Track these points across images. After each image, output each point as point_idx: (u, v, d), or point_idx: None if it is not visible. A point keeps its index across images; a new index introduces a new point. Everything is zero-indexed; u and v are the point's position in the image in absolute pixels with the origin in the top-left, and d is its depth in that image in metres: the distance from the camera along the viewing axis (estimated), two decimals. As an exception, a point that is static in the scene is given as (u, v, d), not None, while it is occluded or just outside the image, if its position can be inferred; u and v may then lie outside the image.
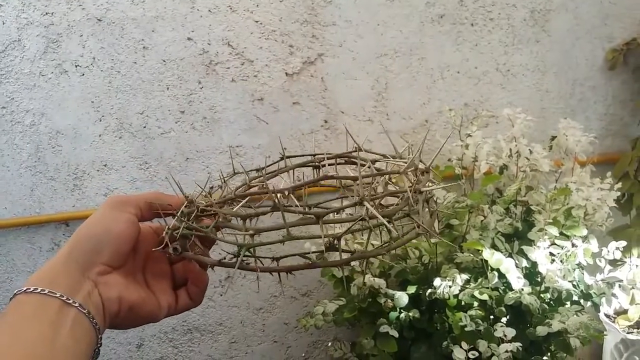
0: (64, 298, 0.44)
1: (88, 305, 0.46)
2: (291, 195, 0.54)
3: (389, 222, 0.51)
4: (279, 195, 0.53)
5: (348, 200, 0.53)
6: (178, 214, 0.55)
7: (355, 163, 0.61)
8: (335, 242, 0.52)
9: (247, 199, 0.55)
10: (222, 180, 0.61)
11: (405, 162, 0.59)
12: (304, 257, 0.54)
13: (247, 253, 0.51)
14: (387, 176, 0.57)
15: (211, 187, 0.67)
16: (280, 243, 0.51)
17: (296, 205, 0.54)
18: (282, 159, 0.63)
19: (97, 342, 0.46)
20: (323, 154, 0.62)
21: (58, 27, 1.37)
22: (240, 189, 0.62)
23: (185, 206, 0.55)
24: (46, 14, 1.36)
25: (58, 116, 1.42)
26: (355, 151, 0.64)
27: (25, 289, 0.44)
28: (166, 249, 0.53)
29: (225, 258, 0.53)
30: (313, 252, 0.55)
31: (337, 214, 0.53)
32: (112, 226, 0.51)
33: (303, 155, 0.63)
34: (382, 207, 0.54)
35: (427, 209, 0.54)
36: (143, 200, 0.54)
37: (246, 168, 0.66)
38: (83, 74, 1.40)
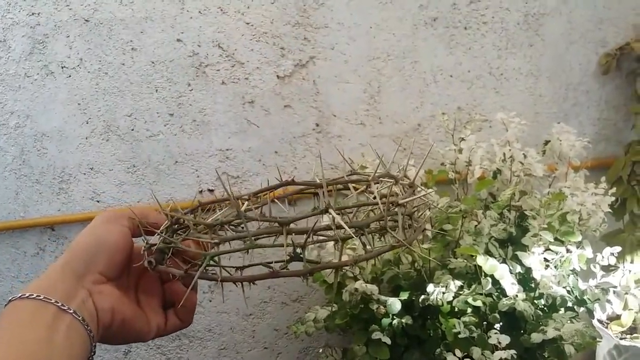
0: (59, 304, 0.45)
1: (82, 313, 0.46)
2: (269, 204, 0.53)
3: (361, 234, 0.50)
4: (243, 203, 0.53)
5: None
6: (159, 231, 0.55)
7: (349, 187, 0.60)
8: (299, 251, 0.51)
9: (223, 211, 0.55)
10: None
11: (401, 183, 0.58)
12: (267, 267, 0.53)
13: (212, 262, 0.51)
14: (378, 190, 0.56)
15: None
16: (245, 252, 0.50)
17: (262, 214, 0.54)
18: (280, 185, 0.62)
19: (91, 350, 0.47)
20: (320, 180, 0.59)
21: (44, 28, 1.34)
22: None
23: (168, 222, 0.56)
24: (32, 14, 1.33)
25: (44, 118, 1.39)
26: (351, 174, 0.63)
27: (20, 295, 0.45)
28: (142, 262, 0.53)
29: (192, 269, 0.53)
30: (276, 262, 0.54)
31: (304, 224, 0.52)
32: (106, 236, 0.53)
33: (301, 182, 0.62)
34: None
35: (409, 224, 0.53)
36: (135, 213, 0.56)
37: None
38: (70, 76, 1.37)
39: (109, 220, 0.54)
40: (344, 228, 0.48)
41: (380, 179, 0.58)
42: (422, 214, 0.56)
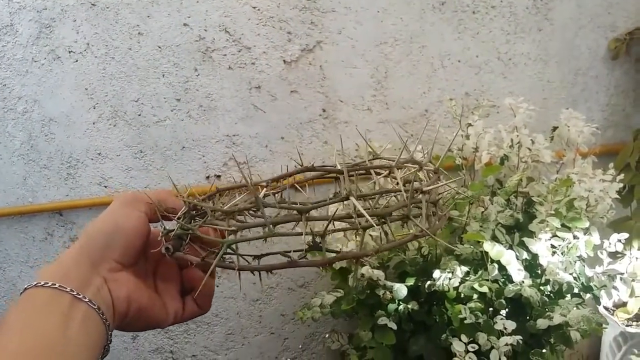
0: (74, 293, 0.44)
1: (98, 301, 0.46)
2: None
3: (383, 222, 0.49)
4: (262, 190, 0.52)
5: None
6: (176, 217, 0.54)
7: (370, 173, 0.58)
8: (319, 240, 0.50)
9: (241, 197, 0.54)
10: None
11: (426, 169, 0.56)
12: (285, 256, 0.52)
13: (229, 250, 0.49)
14: (402, 176, 0.54)
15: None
16: (263, 240, 0.49)
17: (282, 200, 0.52)
18: (300, 171, 0.61)
19: (107, 339, 0.47)
20: (341, 166, 0.58)
21: (51, 12, 1.34)
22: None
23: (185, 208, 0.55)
24: (39, -2, 1.33)
25: (51, 103, 1.39)
26: (373, 159, 0.61)
27: (35, 283, 0.44)
28: (160, 249, 0.52)
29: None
30: (295, 251, 0.53)
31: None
32: (123, 222, 0.51)
33: (322, 167, 0.60)
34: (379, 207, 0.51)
35: (433, 212, 0.52)
36: (153, 198, 0.54)
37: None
38: (77, 60, 1.37)
39: (126, 205, 0.52)
40: (365, 216, 0.46)
41: (404, 164, 0.56)
42: (446, 202, 0.54)
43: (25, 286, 0.44)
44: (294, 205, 0.49)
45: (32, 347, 0.40)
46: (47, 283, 0.44)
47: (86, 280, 0.46)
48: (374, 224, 0.47)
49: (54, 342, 0.41)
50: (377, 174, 0.56)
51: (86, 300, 0.44)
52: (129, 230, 0.51)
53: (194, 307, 0.57)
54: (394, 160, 0.56)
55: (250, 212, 0.52)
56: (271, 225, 0.48)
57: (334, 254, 0.51)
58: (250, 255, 0.55)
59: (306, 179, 0.62)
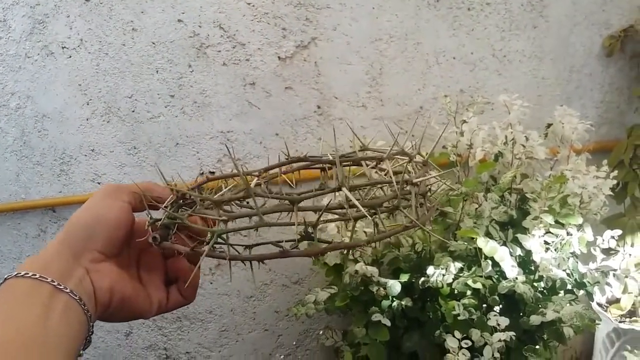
0: (55, 283, 0.44)
1: (79, 292, 0.45)
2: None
3: (374, 213, 0.49)
4: (252, 180, 0.51)
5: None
6: (163, 205, 0.54)
7: (360, 164, 0.58)
8: (311, 230, 0.50)
9: (229, 187, 0.53)
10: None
11: (415, 161, 0.56)
12: (277, 246, 0.52)
13: (219, 240, 0.49)
14: (392, 167, 0.54)
15: (201, 173, 0.65)
16: (254, 230, 0.49)
17: (270, 192, 0.52)
18: (292, 161, 0.60)
19: (88, 330, 0.46)
20: (333, 157, 0.57)
21: (44, 8, 1.33)
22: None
23: (173, 197, 0.55)
24: (32, -7, 1.32)
25: (44, 99, 1.39)
26: (362, 150, 0.61)
27: (16, 273, 0.44)
28: (146, 238, 0.52)
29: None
30: (287, 241, 0.53)
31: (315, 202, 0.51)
32: (105, 213, 0.51)
33: (313, 158, 0.59)
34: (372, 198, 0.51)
35: (421, 203, 0.52)
36: (136, 188, 0.54)
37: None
38: (70, 56, 1.37)
39: (108, 195, 0.52)
40: (356, 207, 0.47)
41: (394, 156, 0.56)
42: (434, 193, 0.54)
43: (6, 276, 0.44)
44: (285, 195, 0.49)
45: (12, 339, 0.39)
46: (28, 273, 0.44)
47: (67, 271, 0.46)
48: (366, 214, 0.47)
49: (35, 333, 0.41)
50: (368, 165, 0.56)
51: (67, 290, 0.44)
52: (111, 221, 0.51)
53: (179, 298, 0.57)
54: (384, 153, 0.56)
55: (241, 202, 0.51)
56: (262, 215, 0.48)
57: (325, 244, 0.51)
58: (241, 246, 0.54)
59: (296, 169, 0.61)
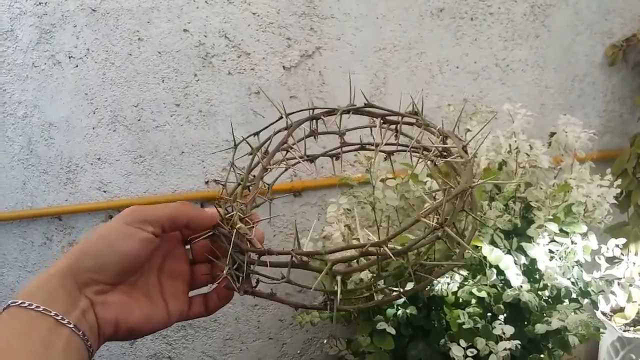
0: (58, 317, 0.42)
1: (82, 326, 0.43)
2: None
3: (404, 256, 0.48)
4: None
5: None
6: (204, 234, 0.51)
7: (370, 115, 0.62)
8: (337, 296, 0.49)
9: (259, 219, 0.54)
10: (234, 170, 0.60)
11: (417, 119, 0.58)
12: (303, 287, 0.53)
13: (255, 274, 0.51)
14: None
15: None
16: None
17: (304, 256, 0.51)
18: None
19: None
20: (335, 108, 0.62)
21: (51, 18, 1.34)
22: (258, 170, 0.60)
23: (221, 222, 0.51)
24: (39, 3, 1.33)
25: (51, 108, 1.40)
26: (366, 107, 0.63)
27: (20, 302, 0.42)
28: (227, 287, 0.52)
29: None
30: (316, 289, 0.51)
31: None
32: (121, 244, 0.47)
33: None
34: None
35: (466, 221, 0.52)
36: (166, 217, 0.49)
37: (242, 163, 0.65)
38: (77, 66, 1.38)
39: (129, 222, 0.47)
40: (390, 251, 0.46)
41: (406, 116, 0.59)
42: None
43: (9, 303, 0.42)
44: (320, 254, 0.48)
45: None
46: (31, 305, 0.41)
47: (71, 304, 0.43)
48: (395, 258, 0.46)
49: None
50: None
51: (70, 325, 0.42)
52: (126, 255, 0.47)
53: (201, 310, 0.54)
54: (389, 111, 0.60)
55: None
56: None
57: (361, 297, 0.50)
58: (275, 280, 0.53)
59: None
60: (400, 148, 0.61)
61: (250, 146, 0.60)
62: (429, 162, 0.58)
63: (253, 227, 0.52)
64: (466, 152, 0.55)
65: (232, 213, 0.51)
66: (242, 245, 0.49)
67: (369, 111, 0.60)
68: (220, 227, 0.51)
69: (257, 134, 0.63)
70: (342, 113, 0.62)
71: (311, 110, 0.62)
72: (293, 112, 0.63)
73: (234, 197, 0.55)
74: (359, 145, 0.64)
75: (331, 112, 0.62)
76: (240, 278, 0.50)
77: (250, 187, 0.57)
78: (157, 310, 0.50)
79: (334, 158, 0.63)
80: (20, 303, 0.42)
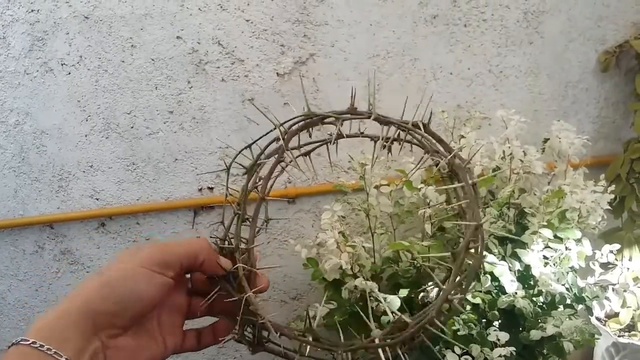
0: None
1: None
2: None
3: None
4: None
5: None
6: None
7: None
8: None
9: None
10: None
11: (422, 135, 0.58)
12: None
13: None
14: None
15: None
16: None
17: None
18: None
19: None
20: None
21: (44, 25, 1.34)
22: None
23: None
24: (32, 11, 1.33)
25: (43, 116, 1.39)
26: (367, 116, 0.63)
27: (31, 341, 0.41)
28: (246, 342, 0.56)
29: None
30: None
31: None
32: (144, 290, 0.46)
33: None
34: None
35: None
36: (186, 255, 0.49)
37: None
38: (69, 73, 1.37)
39: (154, 266, 0.47)
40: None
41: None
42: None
43: (20, 339, 0.42)
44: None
45: None
46: (42, 346, 0.41)
47: (83, 347, 0.43)
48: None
49: None
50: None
51: None
52: (146, 300, 0.47)
53: (194, 344, 0.54)
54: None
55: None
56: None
57: None
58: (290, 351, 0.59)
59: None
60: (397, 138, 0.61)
61: (244, 166, 0.60)
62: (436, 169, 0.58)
63: (256, 270, 0.55)
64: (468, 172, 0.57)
65: (237, 265, 0.53)
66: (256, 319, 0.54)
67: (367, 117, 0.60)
68: (226, 283, 0.54)
69: (249, 146, 0.63)
70: (342, 120, 0.62)
71: (307, 117, 0.62)
72: (287, 121, 0.62)
73: (236, 236, 0.56)
74: (358, 134, 0.64)
75: (326, 117, 0.62)
76: (253, 338, 0.55)
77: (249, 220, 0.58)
78: (158, 349, 0.50)
79: (329, 144, 0.63)
80: (32, 342, 0.41)
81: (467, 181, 0.55)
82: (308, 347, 0.55)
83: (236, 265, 0.53)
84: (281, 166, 0.57)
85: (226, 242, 0.56)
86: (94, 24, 1.35)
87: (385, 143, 0.57)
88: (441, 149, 0.59)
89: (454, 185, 0.57)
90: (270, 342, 0.55)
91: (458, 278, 0.51)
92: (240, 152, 0.60)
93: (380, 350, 0.53)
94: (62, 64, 1.36)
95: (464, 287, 0.52)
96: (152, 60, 1.39)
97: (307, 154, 0.60)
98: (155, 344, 0.50)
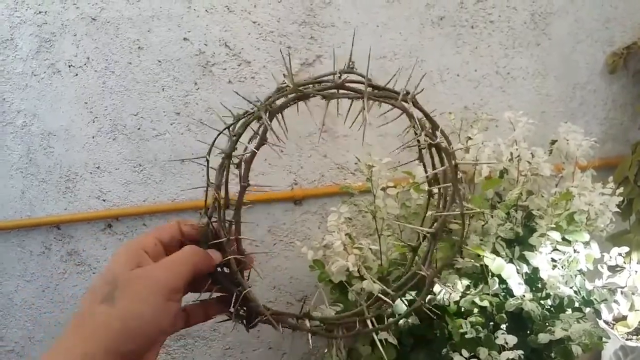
0: None
1: None
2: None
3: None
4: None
5: None
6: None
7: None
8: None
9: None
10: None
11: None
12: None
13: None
14: None
15: (206, 191, 0.66)
16: None
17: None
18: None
19: None
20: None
21: (51, 26, 1.34)
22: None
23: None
24: (39, 12, 1.33)
25: (50, 117, 1.39)
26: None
27: None
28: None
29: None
30: None
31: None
32: (164, 324, 0.46)
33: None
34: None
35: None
36: (191, 275, 0.50)
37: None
38: (76, 74, 1.37)
39: (170, 296, 0.47)
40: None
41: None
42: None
43: None
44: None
45: None
46: None
47: None
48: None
49: None
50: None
51: None
52: (167, 329, 0.47)
53: (182, 325, 0.55)
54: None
55: None
56: None
57: None
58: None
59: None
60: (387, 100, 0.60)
61: (223, 151, 0.60)
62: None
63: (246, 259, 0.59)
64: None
65: (228, 257, 0.57)
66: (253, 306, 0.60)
67: (355, 84, 0.60)
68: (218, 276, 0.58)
69: (227, 127, 0.62)
70: (331, 98, 0.61)
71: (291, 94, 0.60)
72: (268, 98, 0.61)
73: (219, 222, 0.60)
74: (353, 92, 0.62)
75: (312, 95, 0.60)
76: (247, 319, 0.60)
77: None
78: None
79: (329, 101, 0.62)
80: None
81: (451, 163, 0.57)
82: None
83: (227, 258, 0.56)
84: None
85: (210, 232, 0.58)
86: (102, 26, 1.35)
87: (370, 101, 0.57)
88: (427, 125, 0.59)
89: (437, 170, 0.58)
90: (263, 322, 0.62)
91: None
92: (218, 134, 0.60)
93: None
94: (69, 66, 1.37)
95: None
96: (159, 61, 1.39)
97: (306, 97, 0.58)
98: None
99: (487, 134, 1.39)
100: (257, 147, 0.54)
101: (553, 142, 1.35)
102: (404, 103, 0.58)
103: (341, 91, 0.58)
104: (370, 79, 0.58)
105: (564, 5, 1.53)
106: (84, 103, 1.39)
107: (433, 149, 0.64)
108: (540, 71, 1.57)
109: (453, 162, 0.57)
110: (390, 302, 0.68)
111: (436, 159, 0.66)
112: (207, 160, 0.59)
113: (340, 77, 0.59)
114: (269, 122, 0.53)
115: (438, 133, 0.59)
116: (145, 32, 1.37)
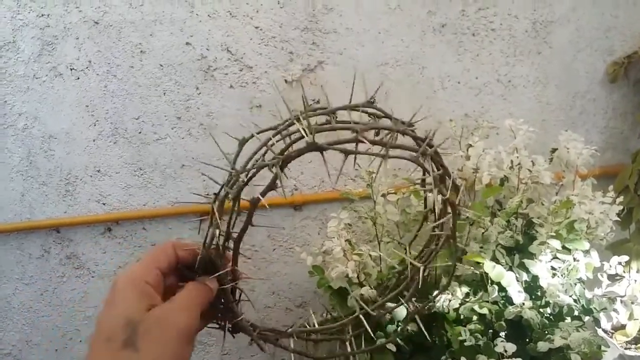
0: None
1: None
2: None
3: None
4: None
5: None
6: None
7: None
8: None
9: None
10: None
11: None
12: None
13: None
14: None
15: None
16: None
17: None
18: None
19: None
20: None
21: (54, 30, 1.35)
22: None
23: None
24: (42, 15, 1.33)
25: (51, 120, 1.39)
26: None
27: None
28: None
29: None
30: None
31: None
32: None
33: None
34: None
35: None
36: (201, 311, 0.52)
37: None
38: (78, 78, 1.38)
39: (189, 339, 0.48)
40: None
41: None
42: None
43: None
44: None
45: None
46: None
47: None
48: None
49: None
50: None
51: None
52: None
53: None
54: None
55: None
56: None
57: None
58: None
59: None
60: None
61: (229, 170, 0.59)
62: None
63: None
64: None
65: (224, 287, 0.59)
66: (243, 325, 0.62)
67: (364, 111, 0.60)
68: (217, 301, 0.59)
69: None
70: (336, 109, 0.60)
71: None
72: (287, 148, 0.60)
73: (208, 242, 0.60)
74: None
75: (334, 129, 0.60)
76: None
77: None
78: None
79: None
80: None
81: (455, 217, 0.56)
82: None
83: (222, 287, 0.57)
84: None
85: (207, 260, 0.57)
86: (104, 29, 1.35)
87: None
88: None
89: (442, 220, 0.57)
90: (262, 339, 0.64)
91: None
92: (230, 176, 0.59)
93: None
94: (71, 69, 1.37)
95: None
96: (161, 66, 1.39)
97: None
98: None
99: (488, 141, 1.39)
100: (263, 194, 0.54)
101: (553, 150, 1.35)
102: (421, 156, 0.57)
103: (360, 145, 0.56)
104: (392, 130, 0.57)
105: (565, 14, 1.54)
106: (85, 106, 1.39)
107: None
108: (541, 79, 1.57)
109: (458, 214, 0.57)
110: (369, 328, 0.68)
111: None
112: (214, 204, 0.58)
113: (359, 110, 0.60)
114: (281, 173, 0.52)
115: (449, 181, 0.59)
116: (147, 36, 1.37)
